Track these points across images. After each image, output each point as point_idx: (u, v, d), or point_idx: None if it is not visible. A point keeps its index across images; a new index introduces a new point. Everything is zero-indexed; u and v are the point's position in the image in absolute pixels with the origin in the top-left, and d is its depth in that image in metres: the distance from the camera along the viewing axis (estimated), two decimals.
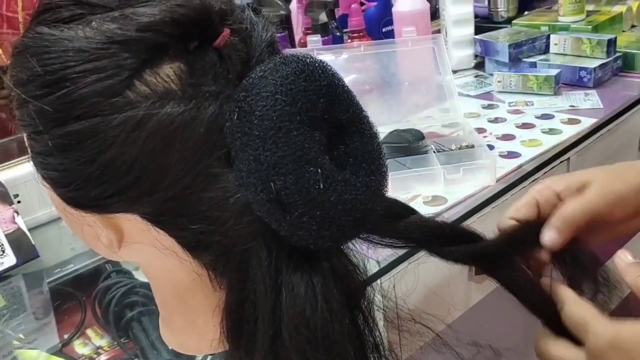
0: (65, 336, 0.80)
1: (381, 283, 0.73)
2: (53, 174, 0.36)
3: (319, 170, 0.35)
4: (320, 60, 0.37)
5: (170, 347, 0.72)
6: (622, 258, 0.45)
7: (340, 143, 0.38)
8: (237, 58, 0.36)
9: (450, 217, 0.81)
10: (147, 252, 0.39)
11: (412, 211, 0.45)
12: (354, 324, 0.39)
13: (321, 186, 0.34)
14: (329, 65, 0.37)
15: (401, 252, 0.75)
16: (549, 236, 0.47)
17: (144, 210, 0.37)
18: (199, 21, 0.35)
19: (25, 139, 0.39)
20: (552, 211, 0.48)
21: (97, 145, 0.34)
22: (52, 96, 0.34)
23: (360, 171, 0.37)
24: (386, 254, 0.73)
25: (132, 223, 0.38)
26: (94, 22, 0.35)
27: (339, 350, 0.36)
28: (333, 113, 0.36)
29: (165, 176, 0.34)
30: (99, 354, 0.78)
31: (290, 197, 0.34)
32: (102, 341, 0.80)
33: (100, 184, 0.35)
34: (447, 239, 0.46)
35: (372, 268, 0.72)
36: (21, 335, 0.78)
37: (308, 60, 0.36)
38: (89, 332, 0.82)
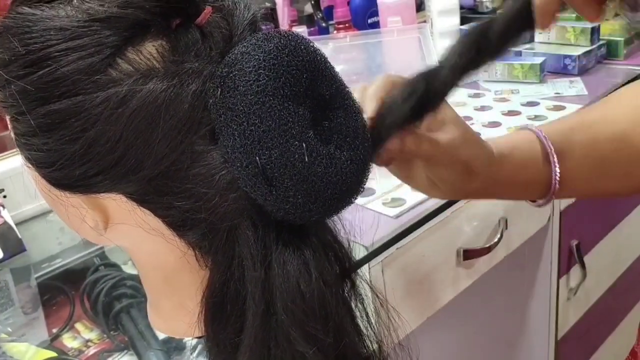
0: (54, 330, 0.80)
1: (370, 268, 0.73)
2: (37, 155, 0.36)
3: (304, 145, 0.35)
4: (303, 37, 0.37)
5: (159, 332, 0.72)
6: None
7: (324, 118, 0.38)
8: (220, 35, 0.36)
9: (437, 202, 0.81)
10: (133, 233, 0.39)
11: None
12: (346, 294, 0.39)
13: (306, 160, 0.35)
14: (312, 42, 0.37)
15: (389, 237, 0.75)
16: None
17: (129, 190, 0.37)
18: None
19: (8, 121, 0.38)
20: None
21: (80, 124, 0.34)
22: (34, 75, 0.34)
23: (345, 146, 0.37)
24: (375, 239, 0.73)
25: (117, 203, 0.38)
26: (75, 1, 0.34)
27: (336, 319, 0.36)
28: (316, 88, 0.37)
29: (150, 154, 0.34)
30: (88, 347, 0.77)
31: (275, 172, 0.34)
32: (91, 334, 0.80)
33: (85, 163, 0.35)
34: None
35: (360, 253, 0.72)
36: (9, 329, 0.77)
37: (291, 36, 0.36)
38: (78, 325, 0.82)
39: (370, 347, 0.40)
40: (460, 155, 0.48)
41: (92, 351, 0.76)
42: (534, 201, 0.57)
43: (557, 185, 0.52)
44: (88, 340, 0.79)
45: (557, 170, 0.52)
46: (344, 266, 0.40)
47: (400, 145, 0.46)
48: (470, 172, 0.49)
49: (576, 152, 0.53)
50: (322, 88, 0.37)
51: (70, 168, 0.35)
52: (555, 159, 0.52)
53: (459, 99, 1.22)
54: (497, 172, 0.51)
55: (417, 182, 0.51)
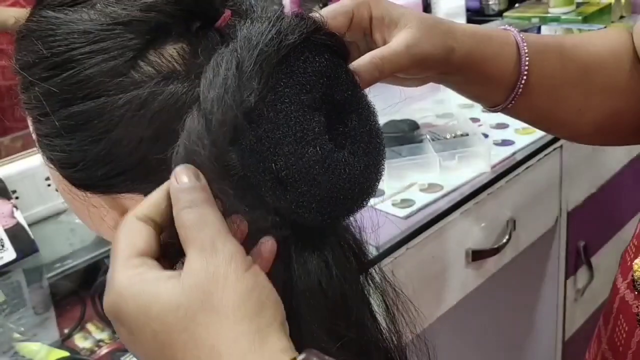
0: (66, 330, 0.80)
1: (380, 268, 0.74)
2: (60, 155, 0.37)
3: (319, 151, 0.35)
4: None
5: None
6: None
7: (338, 123, 0.38)
8: None
9: (446, 203, 0.82)
10: None
11: None
12: (365, 288, 0.40)
13: (321, 166, 0.35)
14: None
15: (398, 238, 0.76)
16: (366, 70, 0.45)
17: (150, 190, 0.37)
18: (201, 2, 0.35)
19: (31, 123, 0.39)
20: (360, 31, 0.48)
21: (103, 125, 0.34)
22: (58, 77, 0.35)
23: (359, 150, 0.38)
24: (385, 240, 0.74)
25: (137, 203, 0.38)
26: (98, 4, 0.35)
27: (357, 315, 0.37)
28: (332, 94, 0.37)
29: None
30: (100, 347, 0.78)
31: (290, 177, 0.34)
32: (102, 334, 0.81)
33: (107, 164, 0.35)
34: None
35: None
36: (22, 329, 0.78)
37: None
38: (90, 325, 0.82)
39: (390, 340, 0.41)
40: (418, 54, 0.48)
41: (103, 351, 0.77)
42: (492, 107, 0.56)
43: (521, 88, 0.52)
44: (99, 340, 0.79)
45: (526, 67, 0.52)
46: (361, 262, 0.41)
47: (368, 81, 0.45)
48: (428, 65, 0.49)
49: (545, 69, 0.53)
50: (337, 93, 0.37)
51: (92, 169, 0.36)
52: (526, 58, 0.52)
53: (466, 101, 1.22)
54: (467, 55, 0.50)
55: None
